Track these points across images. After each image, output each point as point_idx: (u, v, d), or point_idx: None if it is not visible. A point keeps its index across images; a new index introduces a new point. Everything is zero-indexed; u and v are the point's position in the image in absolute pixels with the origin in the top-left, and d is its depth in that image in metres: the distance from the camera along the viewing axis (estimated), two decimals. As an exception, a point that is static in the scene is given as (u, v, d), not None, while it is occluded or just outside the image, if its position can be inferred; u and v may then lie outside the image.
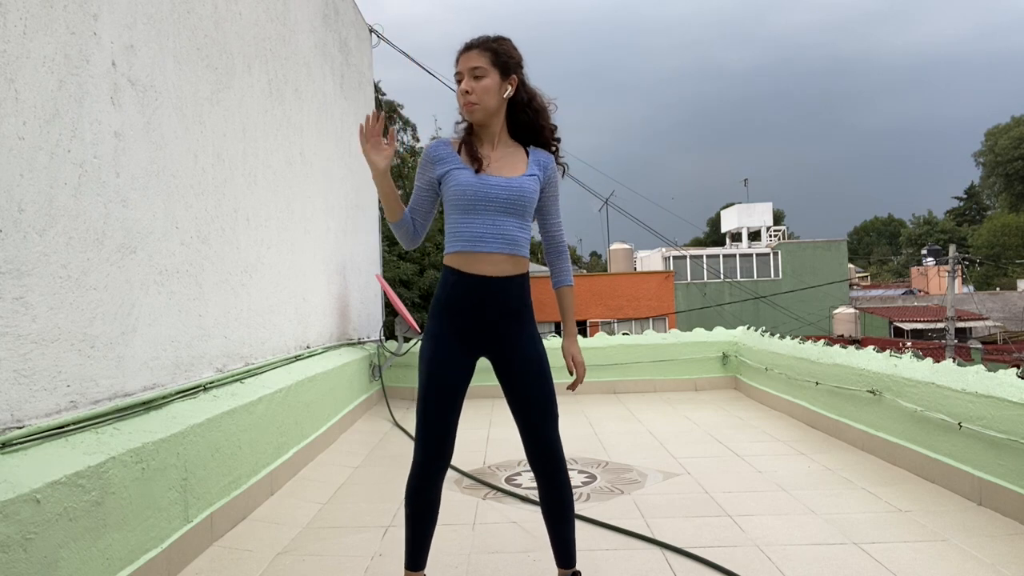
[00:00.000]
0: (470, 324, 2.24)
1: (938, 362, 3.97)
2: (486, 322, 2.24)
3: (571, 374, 2.36)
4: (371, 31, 8.01)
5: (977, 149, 62.79)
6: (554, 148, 2.37)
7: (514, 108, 2.29)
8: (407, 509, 2.29)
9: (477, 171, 2.23)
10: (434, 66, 8.77)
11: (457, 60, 2.25)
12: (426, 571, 2.58)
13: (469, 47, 2.23)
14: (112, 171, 2.70)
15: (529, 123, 2.31)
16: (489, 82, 2.20)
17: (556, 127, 2.37)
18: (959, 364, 3.76)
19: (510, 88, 2.25)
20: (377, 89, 14.97)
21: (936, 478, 3.63)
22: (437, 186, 2.30)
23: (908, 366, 4.11)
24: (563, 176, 2.42)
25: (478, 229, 2.20)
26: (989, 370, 3.52)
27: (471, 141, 2.28)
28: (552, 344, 7.28)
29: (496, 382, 2.32)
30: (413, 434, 5.23)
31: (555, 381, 2.32)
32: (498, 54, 2.22)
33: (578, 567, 2.39)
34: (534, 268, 29.33)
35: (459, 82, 2.23)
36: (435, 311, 2.28)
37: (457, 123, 2.35)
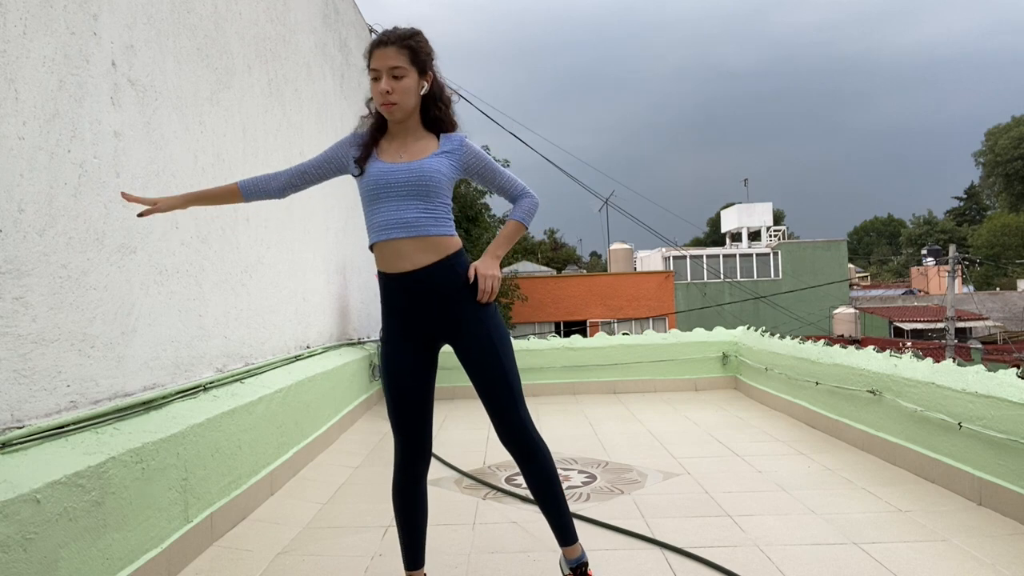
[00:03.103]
0: (411, 320, 2.24)
1: (938, 362, 3.97)
2: (424, 314, 2.23)
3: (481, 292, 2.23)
4: (371, 31, 8.01)
5: (977, 149, 62.82)
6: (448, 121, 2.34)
7: (426, 101, 2.27)
8: (396, 510, 2.33)
9: (363, 160, 2.24)
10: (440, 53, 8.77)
11: (370, 55, 2.21)
12: (426, 571, 2.59)
13: (385, 43, 2.18)
14: (112, 171, 2.70)
15: (438, 118, 2.29)
16: (409, 82, 2.18)
17: (456, 123, 2.34)
18: (959, 364, 3.76)
19: (426, 85, 2.23)
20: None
21: (936, 478, 3.63)
22: (340, 161, 2.31)
23: (908, 366, 4.11)
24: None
25: (382, 217, 2.20)
26: (989, 370, 3.52)
27: (384, 137, 2.29)
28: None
29: None
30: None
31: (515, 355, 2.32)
32: (416, 52, 2.19)
33: None
34: (531, 268, 29.31)
35: (375, 79, 2.19)
36: (382, 313, 2.32)
37: (363, 117, 2.35)
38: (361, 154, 2.26)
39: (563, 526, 2.32)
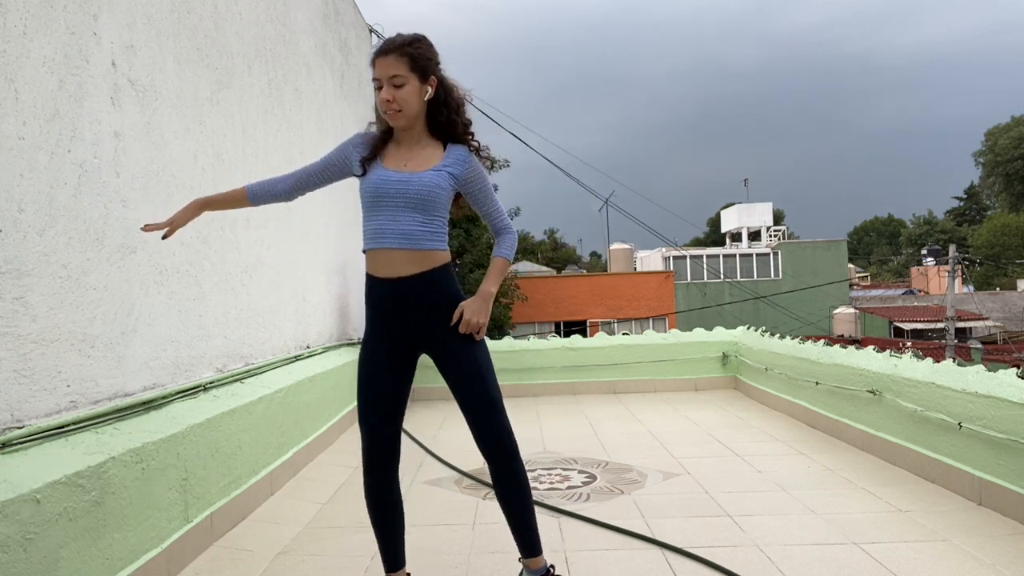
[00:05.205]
0: (391, 325, 2.27)
1: (938, 362, 3.97)
2: (406, 321, 2.26)
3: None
4: (371, 31, 8.01)
5: (977, 149, 62.78)
6: (471, 143, 2.33)
7: (432, 107, 2.27)
8: (369, 512, 2.31)
9: (368, 160, 2.27)
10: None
11: (373, 64, 2.22)
12: (425, 570, 2.59)
13: (384, 52, 2.19)
14: (112, 171, 2.70)
15: (446, 121, 2.29)
16: (409, 89, 2.18)
17: (470, 121, 2.35)
18: (959, 364, 3.76)
19: (430, 90, 2.23)
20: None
21: (936, 478, 3.63)
22: (344, 167, 2.33)
23: (908, 366, 4.11)
24: (491, 168, 2.41)
25: (378, 225, 2.22)
26: (989, 370, 3.52)
27: (393, 141, 2.31)
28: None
29: None
30: (413, 431, 5.24)
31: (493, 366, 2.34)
32: (416, 59, 2.19)
33: (579, 567, 2.39)
34: (531, 268, 29.30)
35: (377, 89, 2.21)
36: (366, 315, 2.34)
37: (371, 123, 2.38)
38: (368, 154, 2.28)
39: (529, 536, 2.31)
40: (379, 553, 2.34)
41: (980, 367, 3.58)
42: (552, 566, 2.36)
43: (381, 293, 2.25)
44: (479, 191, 2.34)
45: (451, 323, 2.25)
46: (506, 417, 2.29)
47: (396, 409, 2.29)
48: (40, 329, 2.27)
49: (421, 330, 2.26)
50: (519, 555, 2.35)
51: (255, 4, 4.27)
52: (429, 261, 2.23)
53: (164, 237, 2.38)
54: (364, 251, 2.28)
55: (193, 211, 2.37)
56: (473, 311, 2.24)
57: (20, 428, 2.16)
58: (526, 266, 29.03)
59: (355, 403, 5.94)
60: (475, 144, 2.34)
